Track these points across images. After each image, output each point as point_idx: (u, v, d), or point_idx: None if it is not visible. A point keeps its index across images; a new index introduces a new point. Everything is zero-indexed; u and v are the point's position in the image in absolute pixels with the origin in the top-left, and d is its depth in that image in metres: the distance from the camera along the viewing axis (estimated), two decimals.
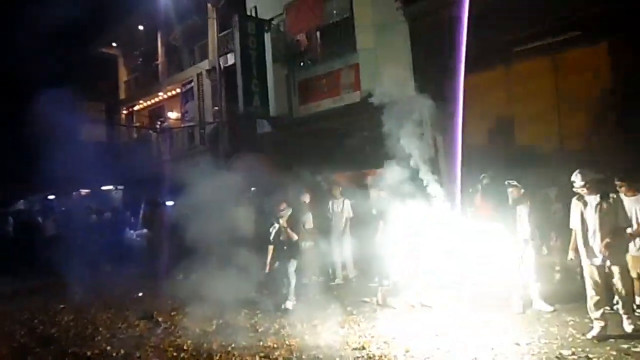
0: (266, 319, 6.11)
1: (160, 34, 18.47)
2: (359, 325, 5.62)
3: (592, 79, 8.87)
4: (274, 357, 4.76)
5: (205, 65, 15.72)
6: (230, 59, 14.93)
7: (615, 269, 4.64)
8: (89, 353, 5.28)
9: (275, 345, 5.03)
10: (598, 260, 4.66)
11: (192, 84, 16.04)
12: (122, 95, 21.02)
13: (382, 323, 5.61)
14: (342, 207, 8.43)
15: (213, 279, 8.68)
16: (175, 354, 5.03)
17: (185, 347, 5.19)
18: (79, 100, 19.50)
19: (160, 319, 6.40)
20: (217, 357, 4.84)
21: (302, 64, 12.37)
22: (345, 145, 10.98)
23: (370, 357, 4.58)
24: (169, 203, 13.01)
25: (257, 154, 12.77)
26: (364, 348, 4.80)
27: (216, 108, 15.57)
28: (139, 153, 17.75)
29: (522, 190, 5.84)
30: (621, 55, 8.36)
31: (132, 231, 12.47)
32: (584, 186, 4.69)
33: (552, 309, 5.50)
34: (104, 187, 19.92)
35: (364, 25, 11.31)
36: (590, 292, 4.72)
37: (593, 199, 4.73)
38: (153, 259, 9.26)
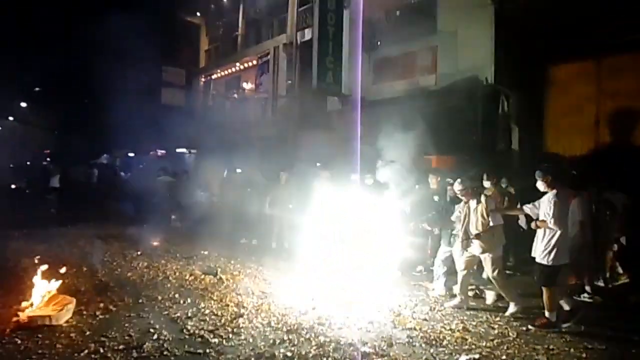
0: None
1: (243, 6, 18.92)
2: None
3: None
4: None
5: (282, 39, 15.95)
6: (308, 34, 15.05)
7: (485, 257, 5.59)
8: (159, 297, 5.77)
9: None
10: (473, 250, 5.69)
11: (269, 57, 16.36)
12: (202, 64, 21.90)
13: None
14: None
15: (272, 246, 9.13)
16: (235, 309, 5.37)
17: (245, 305, 5.53)
18: (162, 66, 20.66)
19: (223, 277, 6.82)
20: (275, 316, 5.13)
21: (378, 43, 12.23)
22: (415, 129, 10.83)
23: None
24: (238, 170, 13.55)
25: (325, 131, 12.93)
26: None
27: (289, 82, 15.83)
28: (213, 120, 18.51)
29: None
30: None
31: (202, 193, 13.12)
32: (462, 191, 5.73)
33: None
34: (178, 150, 21.08)
35: (447, 6, 10.96)
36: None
37: (472, 202, 5.70)
38: (219, 222, 9.76)
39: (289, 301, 5.71)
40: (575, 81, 9.94)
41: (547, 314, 5.13)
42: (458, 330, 4.93)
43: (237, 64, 19.04)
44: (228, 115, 18.99)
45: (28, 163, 33.12)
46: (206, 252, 8.57)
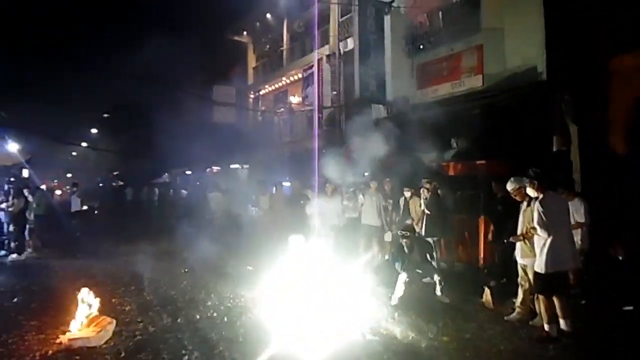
0: None
1: (287, 21, 19.21)
2: None
3: None
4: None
5: (325, 50, 15.96)
6: (350, 43, 14.96)
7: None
8: (198, 316, 5.80)
9: None
10: None
11: (313, 69, 16.42)
12: (250, 80, 22.44)
13: None
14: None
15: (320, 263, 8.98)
16: (271, 329, 5.26)
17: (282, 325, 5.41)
18: (213, 85, 21.39)
19: (265, 294, 6.75)
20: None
21: (421, 46, 11.85)
22: (462, 133, 10.33)
23: None
24: (286, 184, 13.58)
25: (372, 139, 12.69)
26: None
27: (334, 93, 15.77)
28: (262, 135, 18.85)
29: None
30: None
31: (253, 208, 13.29)
32: (514, 191, 5.45)
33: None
34: (232, 166, 21.66)
35: (491, 2, 10.39)
36: None
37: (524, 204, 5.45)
38: (268, 236, 9.78)
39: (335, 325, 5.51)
40: (638, 73, 9.03)
41: (545, 326, 4.82)
42: None
43: (284, 78, 19.32)
44: (276, 129, 19.25)
45: (100, 185, 35.59)
46: (251, 268, 8.59)
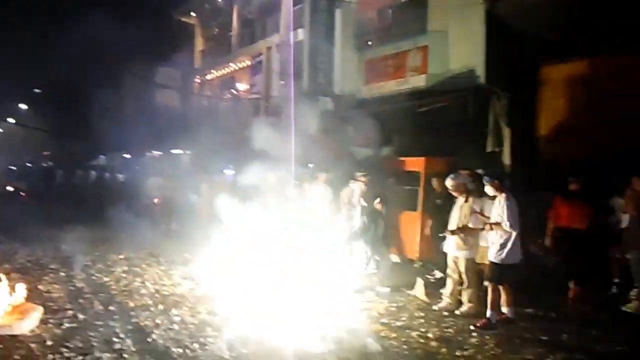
0: None
1: (237, 6, 18.82)
2: None
3: None
4: None
5: (275, 39, 15.83)
6: (301, 34, 14.91)
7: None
8: (132, 304, 5.66)
9: None
10: None
11: (262, 57, 16.26)
12: (197, 64, 21.80)
13: None
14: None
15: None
16: (207, 317, 5.25)
17: (217, 313, 5.40)
18: (156, 67, 20.61)
19: (201, 283, 6.69)
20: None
21: (369, 43, 12.08)
22: (405, 130, 10.67)
23: None
24: (228, 172, 13.42)
25: (317, 131, 12.79)
26: None
27: (282, 83, 15.70)
28: (207, 121, 18.42)
29: None
30: None
31: (194, 195, 13.01)
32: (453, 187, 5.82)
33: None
34: (173, 151, 20.99)
35: (437, 6, 10.76)
36: None
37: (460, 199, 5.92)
38: (204, 225, 9.62)
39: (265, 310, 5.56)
40: (568, 82, 9.74)
41: (489, 313, 5.20)
42: None
43: (231, 64, 18.95)
44: (222, 116, 18.89)
45: (29, 165, 33.26)
46: (189, 256, 8.44)
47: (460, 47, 10.36)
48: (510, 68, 10.21)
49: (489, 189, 5.30)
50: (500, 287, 5.22)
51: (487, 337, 4.92)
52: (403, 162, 9.82)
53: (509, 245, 5.13)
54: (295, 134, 13.54)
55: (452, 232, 5.68)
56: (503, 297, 5.23)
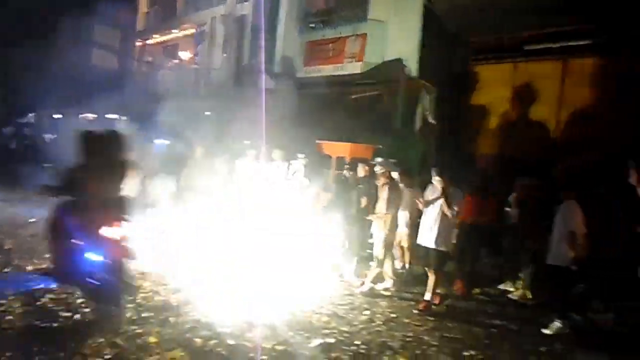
0: None
1: None
2: None
3: (599, 89, 8.62)
4: None
5: (221, 10, 15.48)
6: (247, 7, 14.70)
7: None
8: (30, 268, 5.54)
9: None
10: None
11: (206, 27, 15.86)
12: (139, 27, 20.88)
13: None
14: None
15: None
16: None
17: None
18: (95, 25, 19.51)
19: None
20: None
21: (312, 25, 12.14)
22: (338, 115, 10.91)
23: None
24: (160, 141, 13.11)
25: (256, 108, 12.75)
26: None
27: (225, 55, 15.44)
28: (146, 87, 17.80)
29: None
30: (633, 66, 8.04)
31: None
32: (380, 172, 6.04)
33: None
34: (109, 115, 20.10)
35: None
36: None
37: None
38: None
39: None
40: (493, 82, 10.31)
41: (427, 296, 5.54)
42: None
43: (175, 30, 18.34)
44: (161, 83, 18.30)
45: None
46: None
47: (397, 38, 10.68)
48: (443, 64, 10.70)
49: (436, 180, 5.47)
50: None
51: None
52: (333, 146, 10.08)
53: (453, 233, 5.73)
54: (234, 108, 13.49)
55: (379, 217, 5.96)
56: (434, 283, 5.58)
